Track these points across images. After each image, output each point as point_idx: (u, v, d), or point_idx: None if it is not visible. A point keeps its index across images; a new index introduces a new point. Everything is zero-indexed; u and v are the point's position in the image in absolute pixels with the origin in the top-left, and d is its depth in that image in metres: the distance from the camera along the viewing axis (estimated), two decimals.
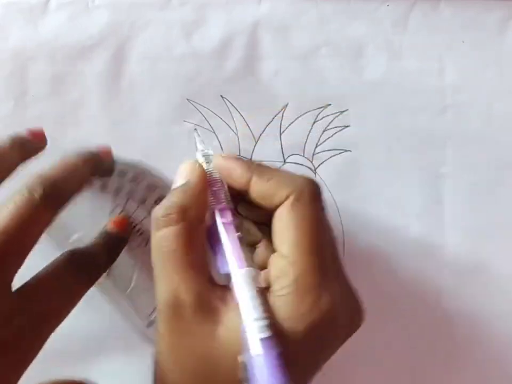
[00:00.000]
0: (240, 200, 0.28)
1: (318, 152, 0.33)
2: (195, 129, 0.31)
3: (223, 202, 0.26)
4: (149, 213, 0.32)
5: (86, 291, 0.28)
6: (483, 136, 0.33)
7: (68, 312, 0.27)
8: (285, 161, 0.33)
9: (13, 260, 0.25)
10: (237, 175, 0.26)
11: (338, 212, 0.33)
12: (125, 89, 0.33)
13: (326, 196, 0.33)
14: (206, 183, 0.26)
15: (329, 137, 0.33)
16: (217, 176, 0.27)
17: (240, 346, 0.22)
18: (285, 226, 0.24)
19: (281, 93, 0.33)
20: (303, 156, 0.33)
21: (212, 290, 0.24)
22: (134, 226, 0.33)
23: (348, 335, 0.25)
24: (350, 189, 0.33)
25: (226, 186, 0.27)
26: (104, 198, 0.32)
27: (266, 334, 0.22)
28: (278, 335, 0.22)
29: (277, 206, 0.25)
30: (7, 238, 0.24)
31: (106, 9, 0.33)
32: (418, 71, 0.33)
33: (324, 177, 0.33)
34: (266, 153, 0.33)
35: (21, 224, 0.24)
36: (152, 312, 0.33)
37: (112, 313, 0.33)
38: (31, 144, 0.30)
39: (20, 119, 0.33)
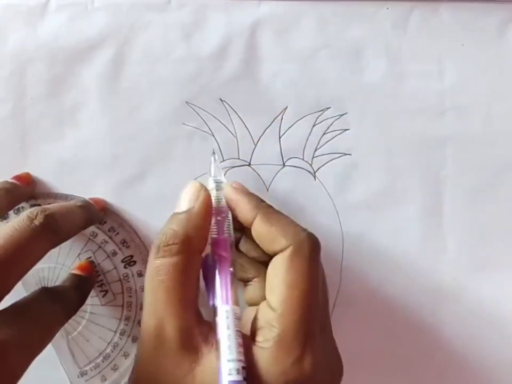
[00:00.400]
0: (243, 234, 0.28)
1: (318, 156, 0.33)
2: (213, 152, 0.31)
3: (224, 233, 0.26)
4: (115, 267, 0.33)
5: (62, 323, 0.28)
6: (483, 138, 0.33)
7: (47, 342, 0.26)
8: (284, 164, 0.33)
9: (6, 282, 0.24)
10: (244, 210, 0.26)
11: (338, 215, 0.33)
12: (124, 91, 0.33)
13: (325, 199, 0.33)
14: (210, 211, 0.26)
15: (328, 141, 0.33)
16: (223, 205, 0.27)
17: None
18: (278, 279, 0.24)
19: (280, 96, 0.33)
20: (303, 159, 0.33)
21: (197, 327, 0.24)
22: (98, 276, 0.33)
23: None
24: (349, 192, 0.33)
25: (231, 218, 0.27)
26: (77, 239, 0.33)
27: (236, 377, 0.21)
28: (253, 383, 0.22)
29: (275, 253, 0.25)
30: (2, 260, 0.24)
31: (106, 11, 0.33)
32: (418, 73, 0.33)
33: (323, 181, 0.33)
34: (265, 156, 0.33)
35: (17, 247, 0.24)
36: (87, 364, 0.33)
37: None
38: (19, 190, 0.31)
39: (18, 121, 0.33)
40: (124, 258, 0.33)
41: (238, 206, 0.26)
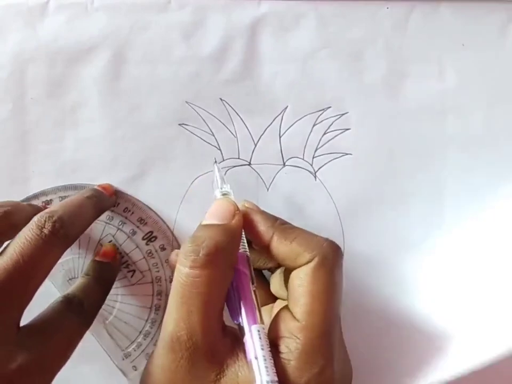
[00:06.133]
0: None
1: (318, 155, 0.33)
2: (215, 161, 0.31)
3: (240, 249, 0.26)
4: (137, 246, 0.33)
5: (81, 336, 0.28)
6: (483, 138, 0.33)
7: (67, 357, 0.27)
8: (284, 164, 0.33)
9: (23, 295, 0.25)
10: (259, 231, 0.26)
11: (339, 215, 0.33)
12: (124, 92, 0.33)
13: (326, 199, 0.33)
14: (242, 229, 0.26)
15: (329, 140, 0.33)
16: None
17: None
18: (303, 290, 0.24)
19: (280, 96, 0.33)
20: (303, 159, 0.33)
21: (223, 338, 0.24)
22: (122, 257, 0.33)
23: None
24: (350, 192, 0.33)
25: (244, 234, 0.27)
26: (94, 226, 0.33)
27: None
28: None
29: (299, 266, 0.25)
30: (18, 275, 0.24)
31: (105, 11, 0.33)
32: (418, 73, 0.33)
33: (323, 181, 0.33)
34: (265, 156, 0.33)
35: (31, 261, 0.24)
36: (129, 344, 0.33)
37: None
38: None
39: (18, 122, 0.33)
40: (144, 236, 0.33)
41: (254, 227, 0.26)
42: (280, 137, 0.33)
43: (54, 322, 0.26)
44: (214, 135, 0.33)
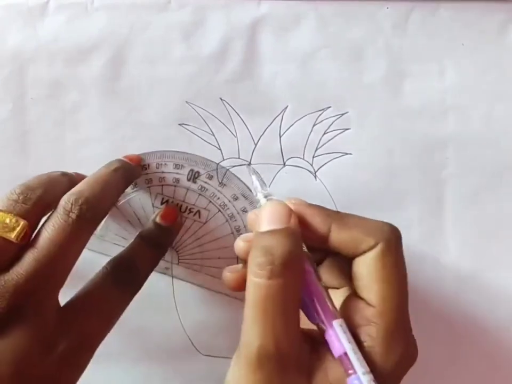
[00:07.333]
0: None
1: (318, 155, 0.33)
2: (249, 164, 0.31)
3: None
4: (187, 188, 0.33)
5: (127, 306, 0.28)
6: (484, 138, 0.33)
7: (108, 330, 0.27)
8: (284, 164, 0.33)
9: (56, 282, 0.25)
10: (316, 223, 0.25)
11: None
12: (124, 92, 0.33)
13: (326, 199, 0.33)
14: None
15: (329, 140, 0.33)
16: None
17: None
18: (374, 276, 0.24)
19: (280, 96, 0.33)
20: (303, 159, 0.33)
21: (304, 343, 0.24)
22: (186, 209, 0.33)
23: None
24: (350, 192, 0.33)
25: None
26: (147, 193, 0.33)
27: None
28: None
29: (362, 253, 0.25)
30: (49, 262, 0.24)
31: (105, 11, 0.33)
32: (418, 73, 0.33)
33: (324, 180, 0.33)
34: (265, 155, 0.33)
35: (60, 247, 0.25)
36: None
37: None
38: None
39: (18, 122, 0.33)
40: (188, 176, 0.33)
41: (310, 221, 0.25)
42: (280, 137, 0.33)
43: (96, 298, 0.27)
44: (214, 135, 0.33)
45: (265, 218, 0.25)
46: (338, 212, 0.26)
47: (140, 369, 0.34)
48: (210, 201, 0.33)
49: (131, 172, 0.30)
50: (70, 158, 0.33)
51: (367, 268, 0.24)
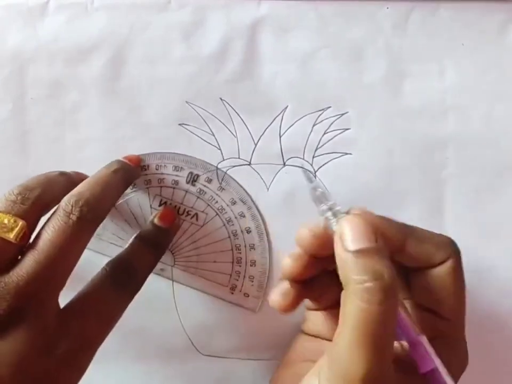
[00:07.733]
0: None
1: (318, 155, 0.33)
2: (305, 170, 0.31)
3: None
4: (186, 191, 0.33)
5: (126, 307, 0.28)
6: (484, 138, 0.33)
7: (109, 332, 0.27)
8: (284, 164, 0.33)
9: (57, 284, 0.25)
10: (393, 235, 0.25)
11: None
12: (124, 92, 0.33)
13: None
14: None
15: (329, 140, 0.33)
16: None
17: None
18: (447, 290, 0.25)
19: (280, 96, 0.33)
20: (303, 159, 0.33)
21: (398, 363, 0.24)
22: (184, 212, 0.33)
23: None
24: (350, 192, 0.33)
25: None
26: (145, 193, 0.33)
27: None
28: None
29: (433, 266, 0.25)
30: (50, 264, 0.24)
31: (105, 11, 0.33)
32: (418, 73, 0.33)
33: (324, 180, 0.33)
34: (265, 155, 0.33)
35: (61, 249, 0.25)
36: (229, 278, 0.33)
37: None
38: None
39: (18, 122, 0.33)
40: (187, 178, 0.33)
41: (384, 233, 0.24)
42: (280, 137, 0.33)
43: (95, 301, 0.27)
44: (214, 135, 0.33)
45: (352, 238, 0.23)
46: (410, 226, 0.26)
47: (140, 369, 0.34)
48: (209, 205, 0.33)
49: (131, 173, 0.31)
50: (70, 158, 0.33)
51: (440, 282, 0.25)
